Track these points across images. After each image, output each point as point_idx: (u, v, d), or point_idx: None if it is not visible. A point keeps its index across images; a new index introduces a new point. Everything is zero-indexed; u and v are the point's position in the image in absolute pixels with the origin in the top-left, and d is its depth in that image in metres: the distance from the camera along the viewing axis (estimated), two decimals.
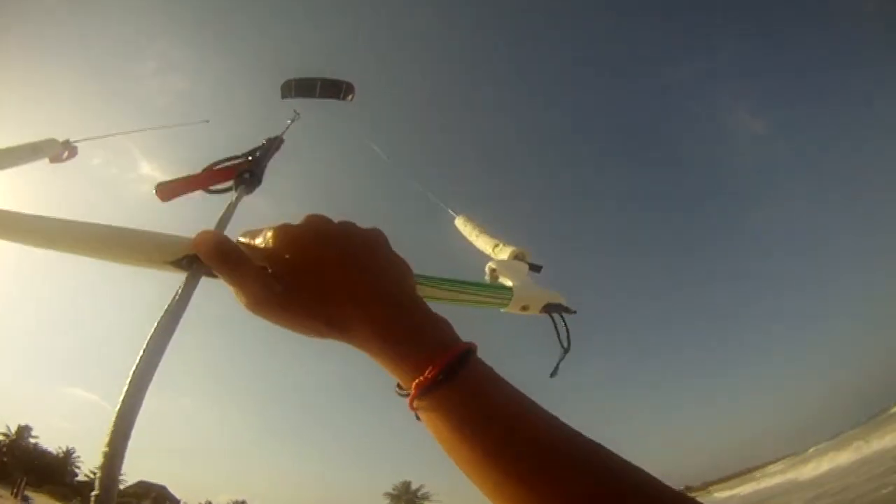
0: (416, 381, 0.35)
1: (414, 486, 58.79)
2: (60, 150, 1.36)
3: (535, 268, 0.79)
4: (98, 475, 0.36)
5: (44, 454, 51.11)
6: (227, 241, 0.42)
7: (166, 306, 0.46)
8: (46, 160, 1.32)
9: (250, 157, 1.00)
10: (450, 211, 1.17)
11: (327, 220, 0.43)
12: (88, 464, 54.57)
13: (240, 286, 0.40)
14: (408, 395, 0.36)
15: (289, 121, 1.44)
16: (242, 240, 0.44)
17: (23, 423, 51.29)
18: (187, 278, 0.47)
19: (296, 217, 0.44)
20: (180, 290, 0.47)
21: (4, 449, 48.27)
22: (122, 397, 0.39)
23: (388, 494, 60.18)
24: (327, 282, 0.39)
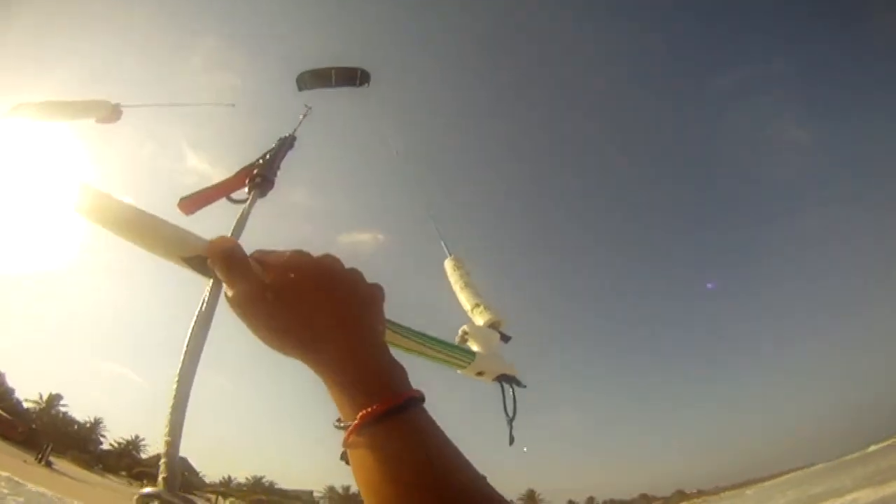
0: (363, 412, 0.37)
1: None
2: (109, 113, 1.42)
3: (505, 338, 0.83)
4: (162, 461, 0.39)
5: (71, 422, 51.27)
6: (237, 248, 0.45)
7: (202, 301, 0.50)
8: (93, 120, 1.37)
9: (261, 161, 0.98)
10: (443, 245, 1.16)
11: (339, 261, 0.45)
12: (114, 433, 54.11)
13: (233, 283, 0.43)
14: (347, 427, 0.38)
15: (301, 116, 1.41)
16: (255, 255, 0.45)
17: (55, 392, 52.20)
18: (213, 284, 0.50)
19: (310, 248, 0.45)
20: (207, 297, 0.50)
21: (34, 416, 49.25)
22: (174, 386, 0.43)
23: None
24: (317, 307, 0.42)
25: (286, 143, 1.11)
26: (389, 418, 0.38)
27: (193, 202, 0.82)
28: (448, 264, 1.07)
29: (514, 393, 0.74)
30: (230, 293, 0.44)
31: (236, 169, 0.97)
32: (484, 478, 0.38)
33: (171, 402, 0.42)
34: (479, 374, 0.73)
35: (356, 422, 0.38)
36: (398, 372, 0.42)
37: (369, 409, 0.37)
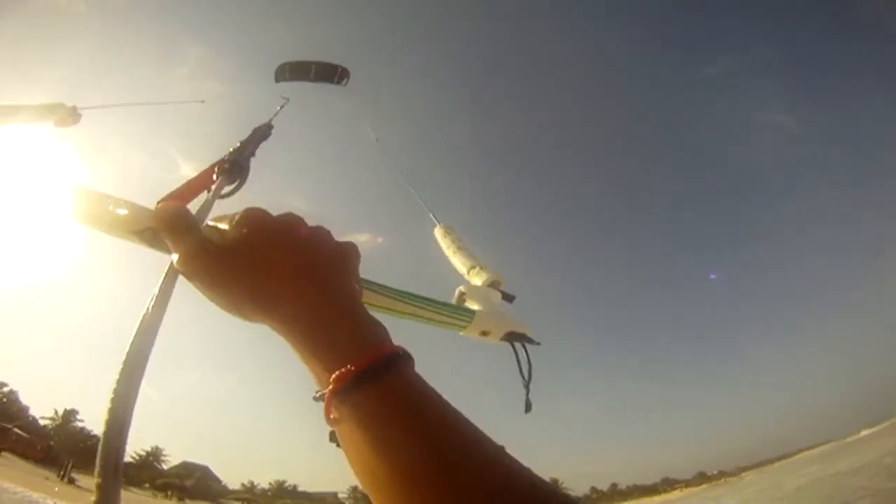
0: (336, 373, 0.32)
1: None
2: (66, 116, 1.39)
3: (507, 297, 0.77)
4: (98, 461, 0.33)
5: (89, 437, 52.05)
6: (182, 209, 0.41)
7: (157, 286, 0.43)
8: (51, 124, 1.34)
9: (231, 149, 0.93)
10: (432, 216, 1.12)
11: (301, 219, 0.41)
12: (132, 446, 56.46)
13: (177, 242, 0.39)
14: (324, 396, 0.33)
15: (278, 107, 1.37)
16: (211, 222, 0.43)
17: (69, 407, 52.61)
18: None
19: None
20: (170, 269, 0.44)
21: (52, 432, 49.65)
22: (114, 385, 0.36)
23: None
24: (271, 258, 0.37)
25: (261, 132, 1.07)
26: (370, 380, 0.32)
27: (177, 198, 0.76)
28: (438, 232, 1.05)
29: (527, 352, 0.66)
30: (174, 253, 0.39)
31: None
32: (502, 448, 0.31)
33: (111, 394, 0.35)
34: (484, 333, 0.66)
35: (330, 387, 0.32)
36: (376, 329, 0.37)
37: (343, 370, 0.32)
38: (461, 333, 0.66)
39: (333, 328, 0.35)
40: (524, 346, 0.67)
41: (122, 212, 0.44)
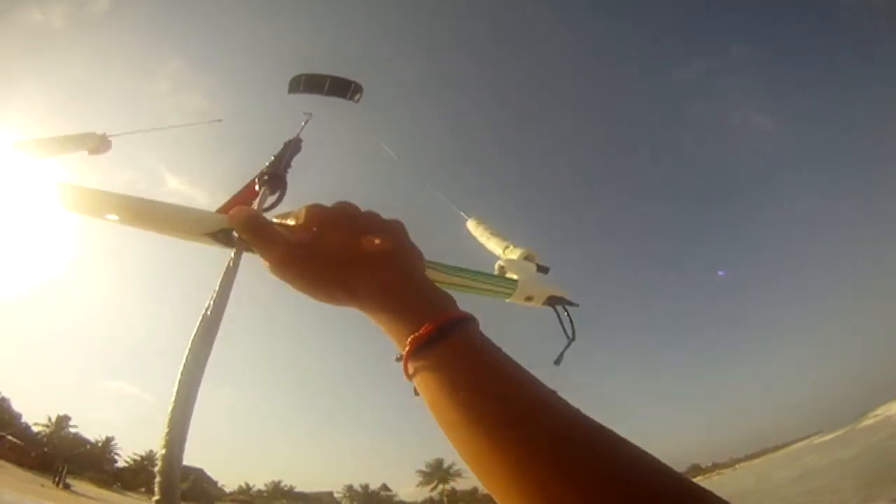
0: (412, 336, 0.37)
1: (446, 464, 59.49)
2: (99, 144, 1.49)
3: (542, 269, 0.84)
4: (157, 479, 0.34)
5: (83, 442, 51.36)
6: (258, 215, 0.48)
7: (218, 283, 0.47)
8: (86, 152, 1.44)
9: (267, 163, 1.00)
10: (461, 213, 1.17)
11: (354, 205, 0.47)
12: (127, 450, 53.53)
13: (266, 250, 0.45)
14: (402, 358, 0.38)
15: (302, 123, 1.41)
16: (276, 220, 0.49)
17: (62, 413, 52.03)
18: (235, 252, 0.51)
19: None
20: (230, 262, 0.50)
21: (45, 439, 49.19)
22: (175, 391, 0.37)
23: (420, 472, 61.51)
24: (345, 249, 0.43)
25: (292, 146, 1.13)
26: (442, 339, 0.36)
27: (233, 205, 0.82)
28: (470, 224, 1.10)
29: (568, 314, 0.72)
30: (266, 261, 0.46)
31: (222, 193, 0.96)
32: (555, 392, 0.34)
33: (172, 401, 0.36)
34: (528, 298, 0.73)
35: (407, 348, 0.37)
36: (444, 297, 0.42)
37: (418, 333, 0.37)
38: (508, 300, 0.72)
39: (409, 302, 0.40)
40: (565, 309, 0.73)
41: (195, 217, 0.51)
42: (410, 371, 0.37)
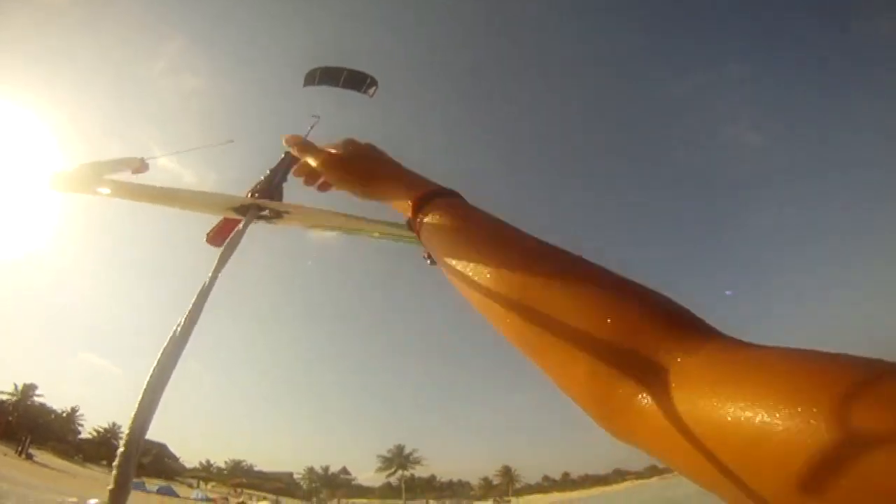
0: (419, 194, 0.48)
1: (407, 451, 61.78)
2: (140, 166, 1.34)
3: None
4: (119, 450, 0.36)
5: (48, 412, 50.95)
6: (306, 139, 0.66)
7: (217, 258, 0.54)
8: (129, 172, 1.24)
9: (262, 177, 0.91)
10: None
11: (367, 142, 0.62)
12: (91, 422, 54.94)
13: (315, 158, 0.62)
14: (411, 220, 0.49)
15: (309, 127, 1.30)
16: (324, 146, 0.63)
17: (29, 382, 50.09)
18: (244, 222, 0.62)
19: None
20: (240, 228, 0.60)
21: (11, 408, 47.55)
22: (157, 359, 0.40)
23: (381, 457, 62.80)
24: (369, 159, 0.59)
25: (288, 156, 1.00)
26: (434, 198, 0.47)
27: (218, 233, 0.88)
28: None
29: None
30: (319, 167, 0.61)
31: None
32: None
33: (153, 369, 0.40)
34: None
35: (412, 205, 0.48)
36: (431, 181, 0.53)
37: (422, 192, 0.48)
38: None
39: (411, 181, 0.53)
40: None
41: (223, 198, 0.68)
42: (416, 228, 0.48)
